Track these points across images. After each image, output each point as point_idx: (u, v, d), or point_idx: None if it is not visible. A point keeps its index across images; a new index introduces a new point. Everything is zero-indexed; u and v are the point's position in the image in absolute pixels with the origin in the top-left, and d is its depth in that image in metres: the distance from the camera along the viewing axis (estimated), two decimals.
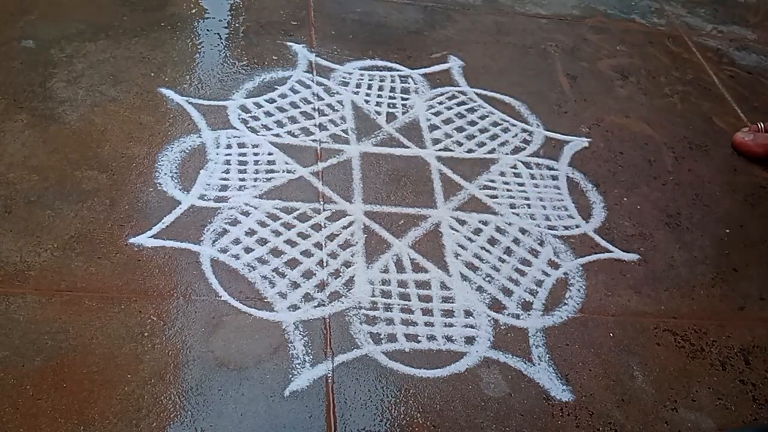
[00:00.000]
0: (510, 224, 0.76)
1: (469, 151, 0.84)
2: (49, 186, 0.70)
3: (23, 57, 0.83)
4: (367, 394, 0.59)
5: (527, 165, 0.84)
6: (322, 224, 0.71)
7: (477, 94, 0.93)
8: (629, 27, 1.14)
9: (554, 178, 0.83)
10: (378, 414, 0.58)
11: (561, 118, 0.92)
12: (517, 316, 0.67)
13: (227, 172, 0.75)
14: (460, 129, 0.87)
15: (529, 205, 0.79)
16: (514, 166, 0.83)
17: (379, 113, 0.87)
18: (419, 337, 0.64)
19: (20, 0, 0.92)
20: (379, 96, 0.89)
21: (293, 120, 0.83)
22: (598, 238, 0.77)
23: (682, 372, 0.66)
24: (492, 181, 0.81)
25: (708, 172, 0.89)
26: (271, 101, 0.85)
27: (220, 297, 0.63)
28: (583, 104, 0.95)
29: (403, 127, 0.86)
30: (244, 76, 0.88)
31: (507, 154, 0.85)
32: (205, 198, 0.72)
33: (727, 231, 0.81)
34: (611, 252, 0.75)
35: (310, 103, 0.86)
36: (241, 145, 0.78)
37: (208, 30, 0.94)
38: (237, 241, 0.68)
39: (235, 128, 0.80)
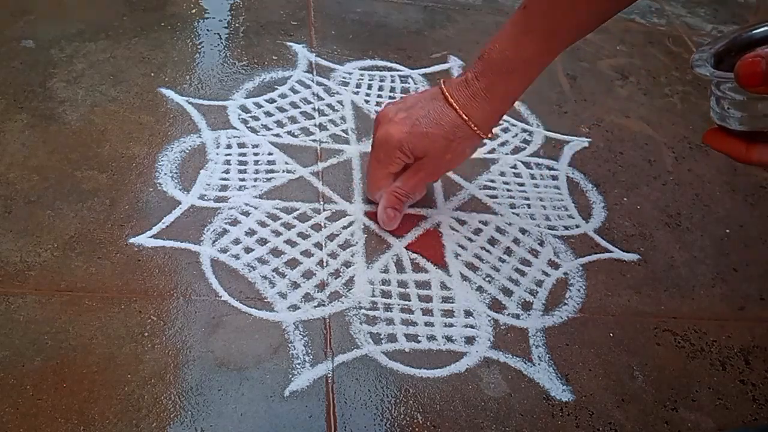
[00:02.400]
0: (510, 224, 0.76)
1: None
2: (49, 186, 0.70)
3: (23, 57, 0.83)
4: (367, 394, 0.59)
5: (527, 165, 0.84)
6: (322, 224, 0.71)
7: None
8: (629, 27, 1.14)
9: (554, 178, 0.83)
10: (378, 414, 0.58)
11: (561, 118, 0.92)
12: (517, 316, 0.67)
13: (227, 172, 0.75)
14: None
15: (529, 205, 0.79)
16: (514, 166, 0.83)
17: None
18: (419, 337, 0.64)
19: (20, 0, 0.92)
20: (379, 96, 0.89)
21: (293, 120, 0.83)
22: (598, 238, 0.77)
23: (682, 372, 0.66)
24: (492, 181, 0.81)
25: (708, 172, 0.89)
26: (271, 101, 0.85)
27: (220, 297, 0.63)
28: (583, 104, 0.95)
29: None
30: (244, 76, 0.88)
31: (507, 154, 0.85)
32: (205, 198, 0.72)
33: (727, 231, 0.81)
34: (611, 252, 0.75)
35: (310, 103, 0.86)
36: (241, 145, 0.78)
37: (208, 30, 0.94)
38: (237, 241, 0.68)
39: (235, 128, 0.80)
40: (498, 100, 0.62)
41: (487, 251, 0.73)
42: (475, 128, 0.62)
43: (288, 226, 0.71)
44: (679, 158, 0.90)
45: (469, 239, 0.73)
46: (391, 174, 0.69)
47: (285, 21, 0.98)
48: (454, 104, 0.62)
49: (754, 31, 0.45)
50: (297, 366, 0.59)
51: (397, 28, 1.02)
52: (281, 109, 0.84)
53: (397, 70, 0.94)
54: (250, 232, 0.69)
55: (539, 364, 0.63)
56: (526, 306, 0.68)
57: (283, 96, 0.86)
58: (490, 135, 0.65)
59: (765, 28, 0.45)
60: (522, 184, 0.81)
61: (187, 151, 0.76)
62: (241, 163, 0.76)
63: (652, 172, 0.87)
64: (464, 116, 0.62)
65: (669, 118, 0.96)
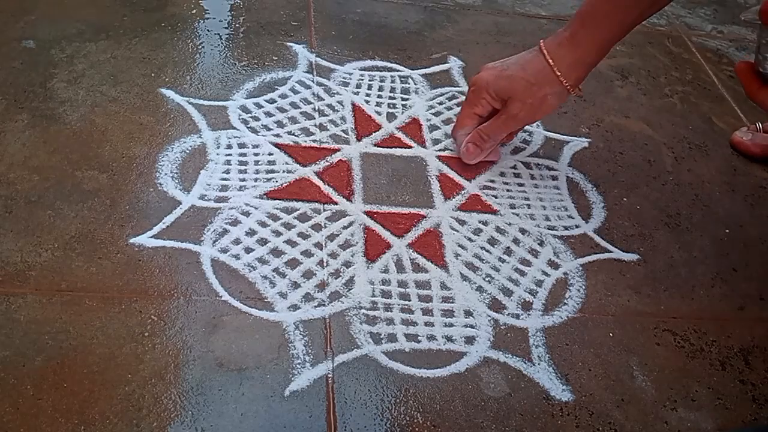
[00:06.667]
0: (510, 224, 0.76)
1: None
2: (49, 186, 0.70)
3: (23, 57, 0.83)
4: (367, 393, 0.59)
5: (527, 165, 0.84)
6: (322, 224, 0.72)
7: None
8: None
9: (554, 178, 0.83)
10: (378, 414, 0.58)
11: (561, 118, 0.92)
12: (517, 316, 0.67)
13: (228, 172, 0.75)
14: None
15: (529, 205, 0.79)
16: (514, 166, 0.83)
17: (379, 113, 0.87)
18: (419, 337, 0.64)
19: (20, 0, 0.92)
20: (379, 96, 0.89)
21: (293, 120, 0.83)
22: (598, 238, 0.77)
23: (682, 372, 0.66)
24: (492, 181, 0.81)
25: (708, 172, 0.89)
26: (272, 101, 0.85)
27: (221, 297, 0.63)
28: (582, 104, 0.95)
29: (403, 127, 0.86)
30: (244, 76, 0.88)
31: (507, 154, 0.85)
32: (206, 198, 0.72)
33: (727, 231, 0.81)
34: (611, 252, 0.76)
35: (310, 103, 0.86)
36: (241, 146, 0.78)
37: (208, 30, 0.94)
38: (237, 241, 0.68)
39: (235, 128, 0.80)
40: (582, 48, 0.68)
41: (487, 251, 0.73)
42: (559, 74, 0.69)
43: (288, 226, 0.71)
44: (679, 158, 0.90)
45: (469, 239, 0.73)
46: (476, 115, 0.77)
47: (285, 21, 0.98)
48: (544, 50, 0.69)
49: None
50: (297, 366, 0.59)
51: (397, 29, 1.02)
52: (281, 110, 0.84)
53: (397, 71, 0.94)
54: (251, 232, 0.69)
55: (539, 364, 0.63)
56: (526, 306, 0.68)
57: (283, 96, 0.86)
58: (576, 90, 0.72)
59: None
60: (522, 184, 0.81)
61: (188, 152, 0.76)
62: (241, 163, 0.76)
63: (652, 172, 0.87)
64: (550, 61, 0.68)
65: (669, 119, 0.96)
